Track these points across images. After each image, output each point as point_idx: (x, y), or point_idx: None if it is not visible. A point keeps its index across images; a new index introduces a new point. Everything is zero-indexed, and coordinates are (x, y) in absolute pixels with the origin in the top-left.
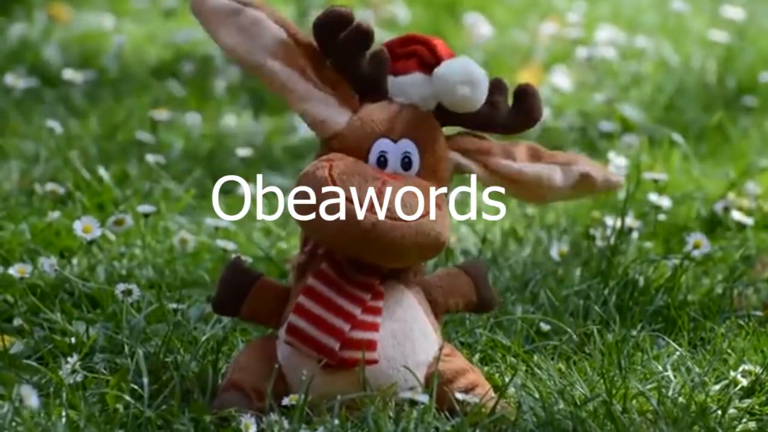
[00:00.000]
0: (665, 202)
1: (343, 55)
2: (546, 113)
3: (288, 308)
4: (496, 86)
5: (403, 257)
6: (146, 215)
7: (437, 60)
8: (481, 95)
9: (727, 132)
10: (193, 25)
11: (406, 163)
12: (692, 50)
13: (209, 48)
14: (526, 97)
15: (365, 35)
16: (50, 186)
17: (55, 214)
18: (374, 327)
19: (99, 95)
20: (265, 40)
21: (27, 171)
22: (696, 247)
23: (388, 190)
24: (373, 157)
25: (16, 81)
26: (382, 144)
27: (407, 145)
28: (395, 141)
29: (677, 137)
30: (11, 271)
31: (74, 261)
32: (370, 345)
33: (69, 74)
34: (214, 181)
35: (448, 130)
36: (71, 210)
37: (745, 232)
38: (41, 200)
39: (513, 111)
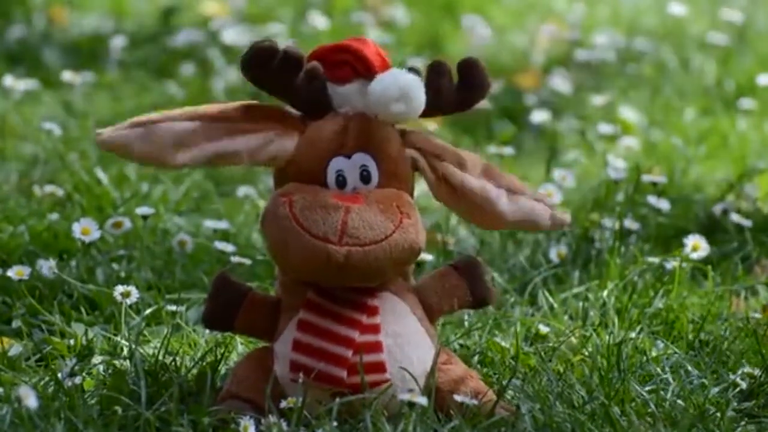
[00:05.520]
0: (664, 204)
1: (277, 84)
2: (546, 115)
3: (281, 321)
4: (436, 70)
5: (382, 275)
6: (145, 217)
7: (369, 71)
8: (417, 107)
9: (725, 134)
10: (192, 27)
11: (365, 177)
12: (691, 53)
13: (208, 50)
14: (470, 70)
15: (295, 59)
16: (49, 188)
17: (53, 216)
18: (378, 347)
19: (98, 97)
20: (169, 142)
21: (26, 173)
22: (695, 249)
23: (353, 217)
24: (330, 178)
25: (16, 83)
26: (338, 163)
27: (362, 158)
28: (349, 157)
29: (676, 140)
30: (10, 273)
31: (73, 263)
32: (379, 367)
33: (68, 76)
34: (213, 183)
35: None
36: (70, 212)
37: (744, 235)
38: (40, 202)
39: (460, 88)
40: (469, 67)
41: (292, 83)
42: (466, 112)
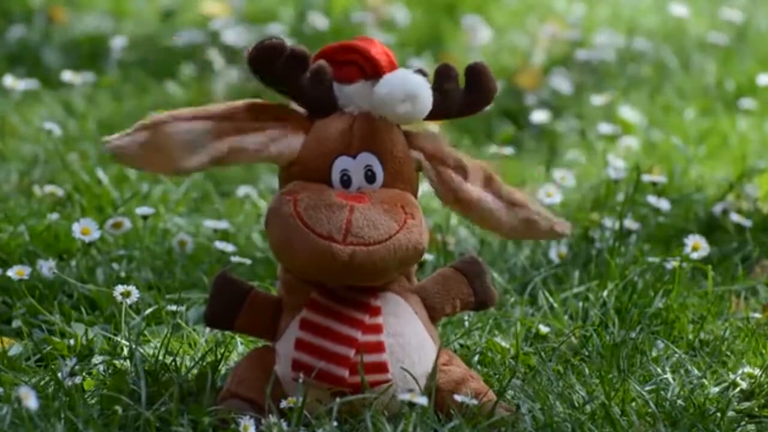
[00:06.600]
0: (664, 204)
1: (282, 82)
2: (546, 115)
3: (283, 320)
4: (444, 74)
5: (386, 275)
6: (145, 217)
7: (376, 71)
8: (423, 108)
9: (725, 134)
10: (192, 27)
11: (370, 176)
12: (691, 53)
13: (208, 50)
14: (477, 76)
15: (300, 58)
16: (49, 188)
17: (54, 216)
18: (380, 347)
19: (98, 97)
20: (179, 144)
21: (26, 173)
22: (695, 249)
23: (357, 216)
24: (335, 177)
25: (16, 83)
26: (343, 162)
27: (367, 158)
28: (354, 156)
29: (676, 140)
30: (10, 273)
31: (73, 263)
32: (380, 367)
33: (68, 76)
34: (213, 183)
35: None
36: (70, 212)
37: (744, 235)
38: (40, 202)
39: (466, 92)
40: (476, 73)
41: (298, 82)
42: (471, 116)
